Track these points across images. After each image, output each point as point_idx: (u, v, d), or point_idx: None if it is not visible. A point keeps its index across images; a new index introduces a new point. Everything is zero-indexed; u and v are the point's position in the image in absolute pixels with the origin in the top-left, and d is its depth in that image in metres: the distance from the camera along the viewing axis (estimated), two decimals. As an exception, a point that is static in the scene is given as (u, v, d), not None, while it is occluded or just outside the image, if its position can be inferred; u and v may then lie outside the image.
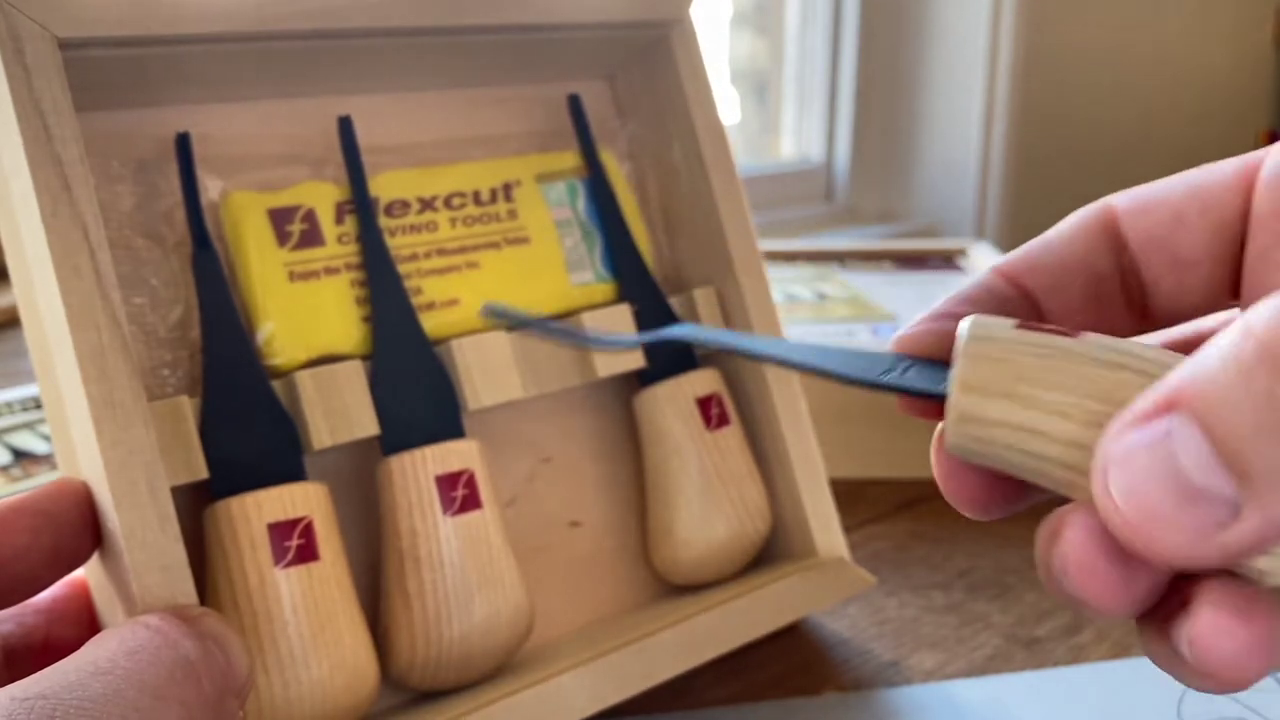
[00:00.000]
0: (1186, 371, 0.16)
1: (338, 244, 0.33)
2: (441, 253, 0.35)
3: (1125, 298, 0.23)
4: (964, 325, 0.19)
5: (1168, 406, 0.16)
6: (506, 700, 0.30)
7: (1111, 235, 0.22)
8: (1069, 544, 0.17)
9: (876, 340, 0.53)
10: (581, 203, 0.38)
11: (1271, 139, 1.86)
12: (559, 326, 0.22)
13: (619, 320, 0.36)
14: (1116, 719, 0.34)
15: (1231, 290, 0.22)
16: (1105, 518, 0.17)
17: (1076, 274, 0.23)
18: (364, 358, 0.32)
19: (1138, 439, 0.16)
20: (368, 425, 0.31)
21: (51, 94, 0.26)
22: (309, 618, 0.28)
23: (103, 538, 0.26)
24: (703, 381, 0.37)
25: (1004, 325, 0.19)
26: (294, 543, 0.29)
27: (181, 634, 0.23)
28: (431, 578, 0.31)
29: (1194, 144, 1.71)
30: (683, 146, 0.39)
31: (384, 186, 0.34)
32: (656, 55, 0.39)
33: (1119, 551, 0.17)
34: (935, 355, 0.21)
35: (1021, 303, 0.22)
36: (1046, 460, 0.18)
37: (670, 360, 0.37)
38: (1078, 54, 1.55)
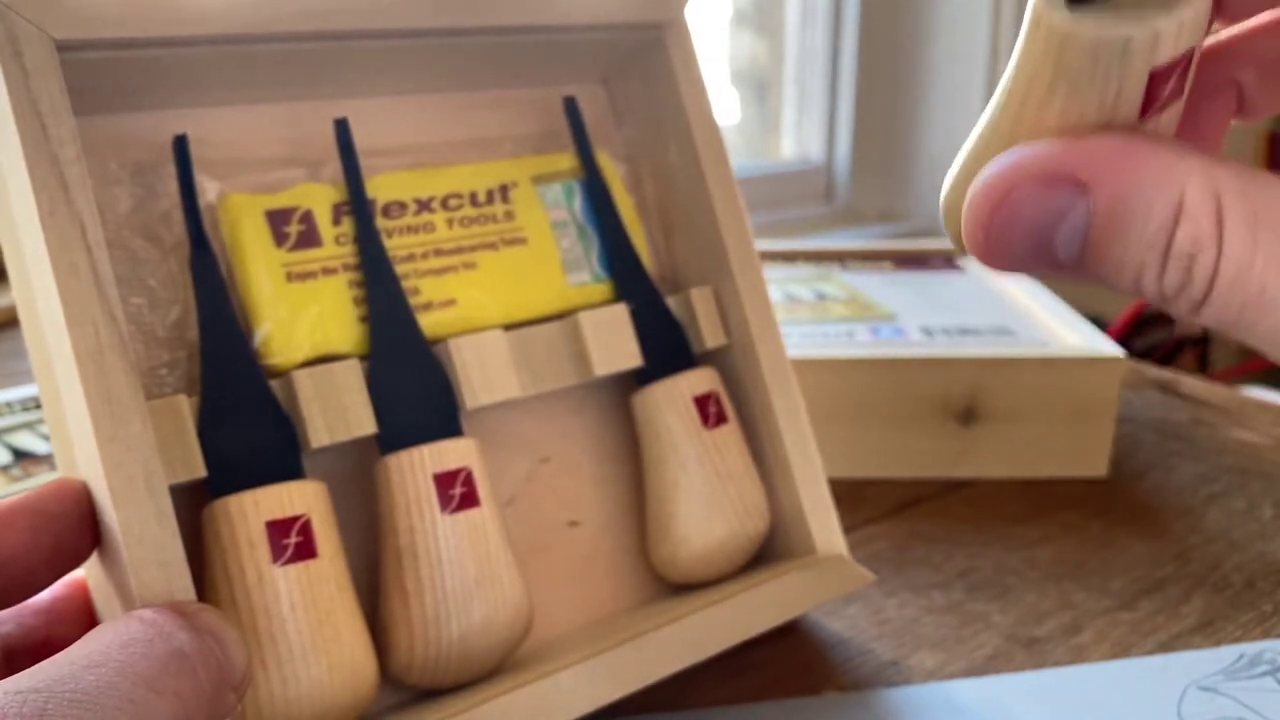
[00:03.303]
0: (1134, 160, 0.16)
1: (335, 245, 0.33)
2: (439, 253, 0.35)
3: None
4: None
5: (1083, 183, 0.16)
6: (505, 698, 0.30)
7: None
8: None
9: (876, 340, 0.53)
10: (578, 204, 0.38)
11: (1272, 140, 1.86)
12: None
13: (616, 320, 0.36)
14: (1116, 719, 0.34)
15: None
16: (968, 208, 0.18)
17: None
18: (362, 357, 0.32)
19: (1041, 195, 0.16)
20: (365, 424, 0.32)
21: (49, 95, 0.27)
22: (307, 615, 0.28)
23: (101, 535, 0.26)
24: (700, 380, 0.37)
25: None
26: (292, 540, 0.29)
27: (176, 626, 0.23)
28: (430, 575, 0.31)
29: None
30: (678, 147, 0.39)
31: (381, 188, 0.35)
32: (651, 57, 0.39)
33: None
34: None
35: None
36: None
37: (667, 359, 0.37)
38: (1078, 54, 1.54)
